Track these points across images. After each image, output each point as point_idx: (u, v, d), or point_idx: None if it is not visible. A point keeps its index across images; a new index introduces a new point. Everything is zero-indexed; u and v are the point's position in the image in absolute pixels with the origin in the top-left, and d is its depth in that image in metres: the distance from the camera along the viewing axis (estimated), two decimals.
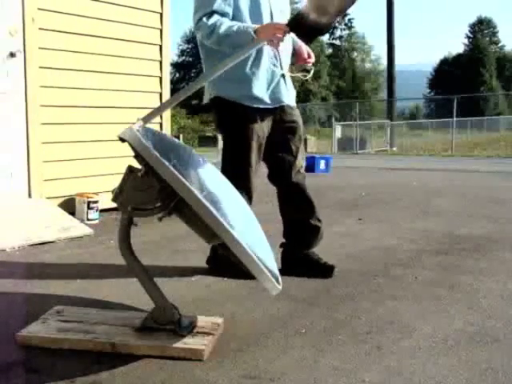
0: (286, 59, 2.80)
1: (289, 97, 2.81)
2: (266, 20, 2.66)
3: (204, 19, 2.59)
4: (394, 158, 14.84)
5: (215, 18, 2.58)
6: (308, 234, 2.90)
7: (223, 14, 2.60)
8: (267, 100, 2.71)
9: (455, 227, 4.21)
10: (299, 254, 2.90)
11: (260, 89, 2.68)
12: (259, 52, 2.64)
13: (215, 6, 2.60)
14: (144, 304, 2.19)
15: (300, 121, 2.88)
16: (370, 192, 6.35)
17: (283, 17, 2.71)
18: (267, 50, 2.66)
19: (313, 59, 2.83)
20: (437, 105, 43.09)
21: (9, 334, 2.01)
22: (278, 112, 2.77)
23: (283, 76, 2.76)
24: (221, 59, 2.31)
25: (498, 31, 56.93)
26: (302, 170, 2.91)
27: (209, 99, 2.80)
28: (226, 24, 2.55)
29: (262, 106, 2.70)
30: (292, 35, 2.58)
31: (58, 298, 2.49)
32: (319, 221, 2.90)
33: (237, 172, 2.67)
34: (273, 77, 2.71)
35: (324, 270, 2.85)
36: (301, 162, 2.88)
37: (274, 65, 2.71)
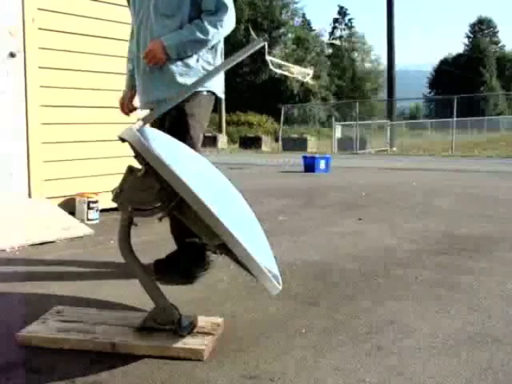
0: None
1: (144, 94, 2.86)
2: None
3: None
4: (394, 157, 14.84)
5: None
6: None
7: None
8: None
9: (455, 227, 4.21)
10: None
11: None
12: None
13: None
14: (144, 304, 2.19)
15: (167, 120, 2.70)
16: (370, 192, 6.35)
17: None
18: (130, 51, 2.90)
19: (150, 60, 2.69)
20: (437, 105, 43.17)
21: (9, 334, 2.01)
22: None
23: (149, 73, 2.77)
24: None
25: (498, 31, 57.05)
26: None
27: None
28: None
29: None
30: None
31: (58, 298, 2.49)
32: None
33: None
34: (138, 76, 2.85)
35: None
36: None
37: (135, 64, 2.85)
